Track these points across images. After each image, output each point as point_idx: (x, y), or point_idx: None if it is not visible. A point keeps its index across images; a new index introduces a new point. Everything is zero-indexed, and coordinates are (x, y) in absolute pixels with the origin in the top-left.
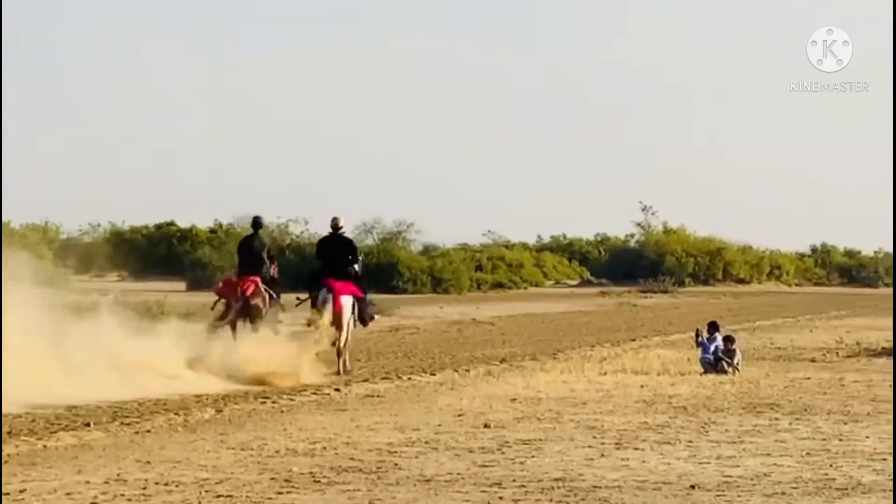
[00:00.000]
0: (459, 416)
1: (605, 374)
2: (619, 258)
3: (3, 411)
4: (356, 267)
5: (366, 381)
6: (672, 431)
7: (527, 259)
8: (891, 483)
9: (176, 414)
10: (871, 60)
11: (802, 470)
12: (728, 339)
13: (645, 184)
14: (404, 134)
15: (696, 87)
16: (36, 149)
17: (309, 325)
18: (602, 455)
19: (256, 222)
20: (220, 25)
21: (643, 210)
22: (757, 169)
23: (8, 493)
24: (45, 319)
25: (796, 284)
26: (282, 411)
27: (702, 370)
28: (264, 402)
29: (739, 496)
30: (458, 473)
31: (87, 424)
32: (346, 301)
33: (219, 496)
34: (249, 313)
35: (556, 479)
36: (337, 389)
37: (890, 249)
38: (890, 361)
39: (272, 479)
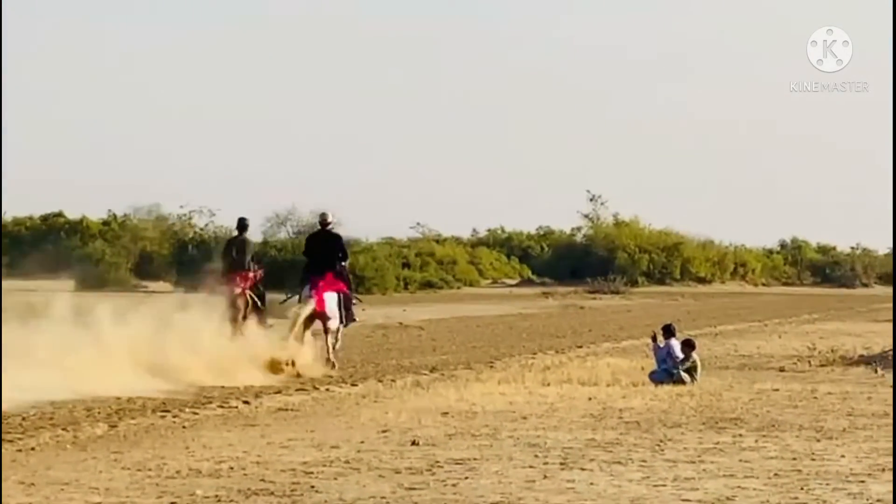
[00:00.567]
0: (384, 432)
1: (549, 384)
2: (564, 254)
3: None
4: (344, 264)
5: (278, 392)
6: (623, 450)
7: (460, 255)
8: None
9: (64, 429)
10: (871, 60)
11: (770, 493)
12: (687, 345)
13: (593, 170)
14: (321, 116)
15: (665, 67)
16: None
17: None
18: (545, 476)
19: (242, 224)
20: (111, 13)
21: (591, 200)
22: (718, 155)
23: None
24: None
25: (763, 284)
26: (184, 427)
27: (656, 382)
28: (164, 417)
29: None
30: (383, 497)
31: None
32: (331, 298)
33: None
34: (235, 305)
35: None
36: (245, 402)
37: (868, 245)
38: (868, 371)
39: (172, 503)
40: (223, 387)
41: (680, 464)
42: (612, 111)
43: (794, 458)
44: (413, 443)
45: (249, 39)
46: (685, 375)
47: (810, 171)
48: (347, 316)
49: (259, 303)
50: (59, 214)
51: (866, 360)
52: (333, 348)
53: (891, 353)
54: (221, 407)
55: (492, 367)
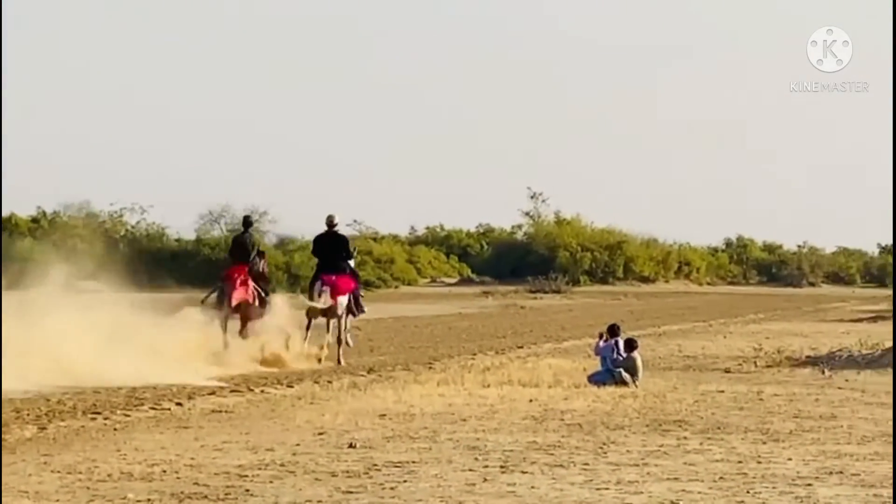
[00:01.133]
0: (320, 434)
1: (489, 386)
2: (504, 253)
3: None
4: (351, 262)
5: (212, 394)
6: (565, 452)
7: (398, 254)
8: None
9: None
10: (871, 60)
11: (715, 497)
12: (629, 345)
13: (534, 167)
14: (256, 111)
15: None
16: None
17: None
18: (485, 479)
19: (247, 221)
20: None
21: (532, 197)
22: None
23: None
24: None
25: (708, 283)
26: (115, 429)
27: (598, 383)
28: (94, 419)
29: None
30: (319, 500)
31: None
32: (342, 299)
33: None
34: (239, 311)
35: None
36: (178, 404)
37: (815, 243)
38: (815, 372)
39: None
40: (155, 388)
41: (623, 467)
42: (555, 109)
43: (740, 461)
44: (350, 445)
45: (178, 34)
46: (626, 376)
47: (755, 168)
48: (357, 307)
49: (264, 294)
50: None
51: (813, 361)
52: (345, 342)
53: (838, 353)
54: (154, 409)
55: (431, 368)
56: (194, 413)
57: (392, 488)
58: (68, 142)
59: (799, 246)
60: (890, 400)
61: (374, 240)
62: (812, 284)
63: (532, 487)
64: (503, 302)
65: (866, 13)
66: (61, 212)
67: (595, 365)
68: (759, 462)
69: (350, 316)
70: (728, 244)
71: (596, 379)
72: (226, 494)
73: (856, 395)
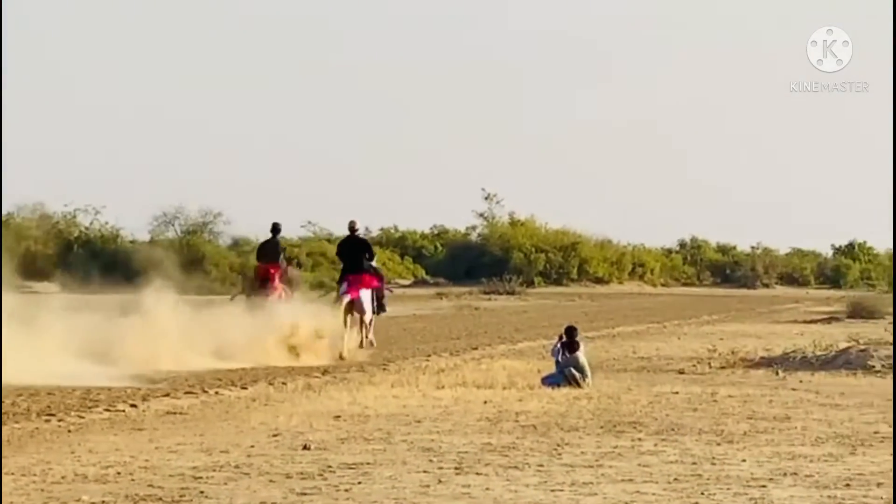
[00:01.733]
0: (275, 436)
1: (443, 387)
2: (458, 254)
3: None
4: (373, 263)
5: (166, 395)
6: (520, 454)
7: None
8: None
9: None
10: (871, 60)
11: (670, 498)
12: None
13: (488, 168)
14: (209, 110)
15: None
16: None
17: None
18: (439, 481)
19: (275, 227)
20: None
21: (486, 199)
22: (615, 154)
23: None
24: None
25: (662, 284)
26: (69, 431)
27: (552, 385)
28: (48, 421)
29: None
30: (274, 503)
31: None
32: (365, 293)
33: None
34: (266, 289)
35: None
36: (133, 405)
37: (769, 244)
38: (769, 373)
39: None
40: (110, 389)
41: (577, 468)
42: (509, 109)
43: (694, 463)
44: (304, 447)
45: (130, 32)
46: (576, 373)
47: (708, 168)
48: (379, 307)
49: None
50: None
51: (767, 363)
52: (367, 337)
53: (792, 354)
54: (108, 410)
55: (385, 369)
56: (148, 414)
57: (346, 490)
58: (20, 143)
59: (753, 247)
60: (844, 401)
61: (329, 241)
62: (766, 286)
63: (486, 489)
64: (457, 303)
65: (866, 13)
66: (15, 213)
67: (550, 366)
68: (714, 463)
69: (372, 315)
70: (682, 245)
71: (550, 381)
72: (180, 496)
73: (810, 397)
